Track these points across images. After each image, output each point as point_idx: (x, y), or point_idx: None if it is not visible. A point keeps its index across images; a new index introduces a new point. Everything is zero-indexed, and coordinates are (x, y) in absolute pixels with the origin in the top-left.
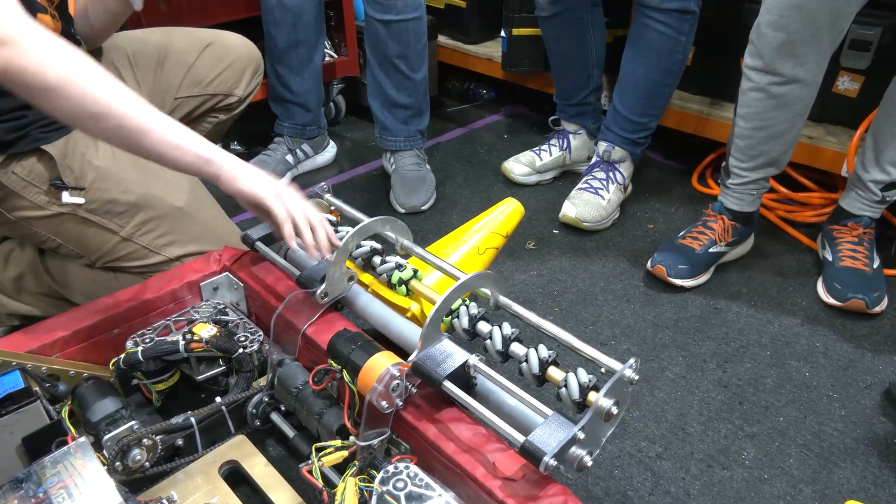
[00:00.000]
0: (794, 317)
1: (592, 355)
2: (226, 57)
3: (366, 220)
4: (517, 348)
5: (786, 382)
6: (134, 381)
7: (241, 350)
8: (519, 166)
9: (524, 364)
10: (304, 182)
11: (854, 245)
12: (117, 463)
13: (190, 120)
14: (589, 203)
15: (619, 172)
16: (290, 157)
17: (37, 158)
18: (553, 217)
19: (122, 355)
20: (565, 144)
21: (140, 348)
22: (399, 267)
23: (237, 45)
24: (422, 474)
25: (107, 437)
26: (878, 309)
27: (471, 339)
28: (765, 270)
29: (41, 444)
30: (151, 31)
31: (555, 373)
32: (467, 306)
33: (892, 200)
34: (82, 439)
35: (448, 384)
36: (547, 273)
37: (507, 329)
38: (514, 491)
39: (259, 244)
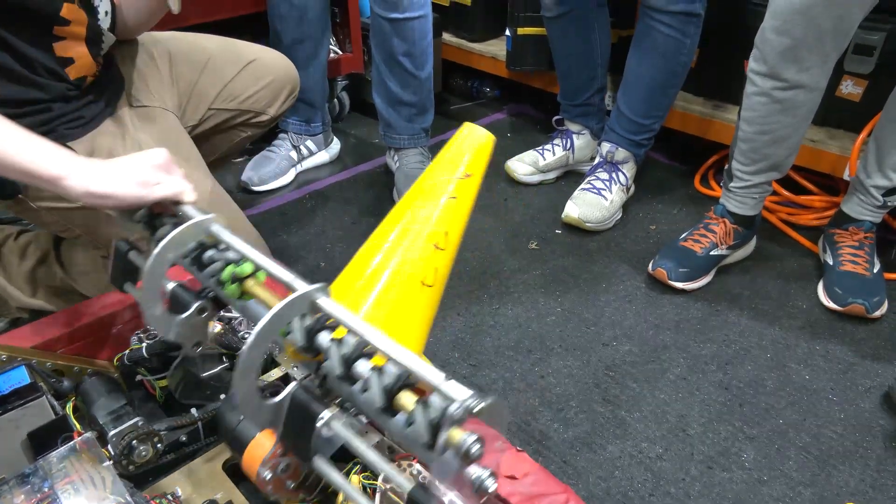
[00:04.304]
0: (794, 320)
1: (420, 373)
2: (265, 76)
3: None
4: (363, 368)
5: (786, 385)
6: (138, 378)
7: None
8: (522, 165)
9: (364, 395)
10: (308, 178)
11: (855, 249)
12: (122, 458)
13: (219, 132)
14: (591, 203)
15: (622, 173)
16: (293, 154)
17: None
18: (556, 217)
19: (127, 351)
20: (569, 144)
21: (144, 344)
22: (235, 263)
23: (277, 65)
24: (425, 472)
25: (112, 432)
26: (878, 313)
27: (313, 358)
28: (766, 273)
29: (47, 439)
30: (206, 36)
31: (406, 400)
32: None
33: (893, 205)
34: (88, 434)
35: (319, 461)
36: (549, 273)
37: (351, 343)
38: (517, 489)
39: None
